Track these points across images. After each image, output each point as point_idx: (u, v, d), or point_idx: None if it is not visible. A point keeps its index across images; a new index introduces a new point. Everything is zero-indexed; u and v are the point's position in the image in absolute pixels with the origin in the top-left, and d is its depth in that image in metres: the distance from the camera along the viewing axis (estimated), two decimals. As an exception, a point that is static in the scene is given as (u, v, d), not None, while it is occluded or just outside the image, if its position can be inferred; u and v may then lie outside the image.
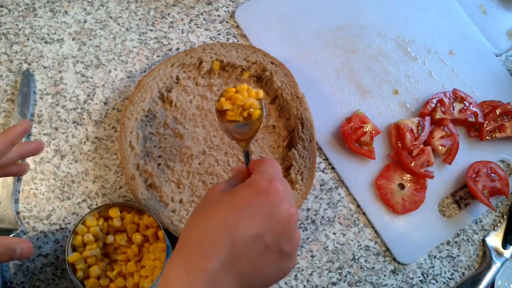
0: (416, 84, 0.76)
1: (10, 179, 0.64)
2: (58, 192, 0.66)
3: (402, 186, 0.70)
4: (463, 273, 0.70)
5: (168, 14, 0.75)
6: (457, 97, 0.74)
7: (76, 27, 0.73)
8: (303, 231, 0.68)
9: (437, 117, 0.72)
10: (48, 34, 0.72)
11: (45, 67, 0.70)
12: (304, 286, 0.66)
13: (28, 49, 0.71)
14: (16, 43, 0.71)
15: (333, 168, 0.71)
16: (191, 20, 0.75)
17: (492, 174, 0.71)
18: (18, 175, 0.60)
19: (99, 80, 0.70)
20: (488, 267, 0.69)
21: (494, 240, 0.71)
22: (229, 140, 0.68)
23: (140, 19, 0.74)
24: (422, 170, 0.69)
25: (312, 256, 0.67)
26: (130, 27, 0.73)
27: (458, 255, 0.70)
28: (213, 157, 0.68)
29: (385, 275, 0.68)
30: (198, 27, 0.75)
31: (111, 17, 0.73)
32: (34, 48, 0.71)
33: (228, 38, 0.75)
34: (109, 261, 0.61)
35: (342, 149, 0.71)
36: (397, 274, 0.68)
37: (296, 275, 0.66)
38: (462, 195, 0.73)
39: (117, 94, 0.70)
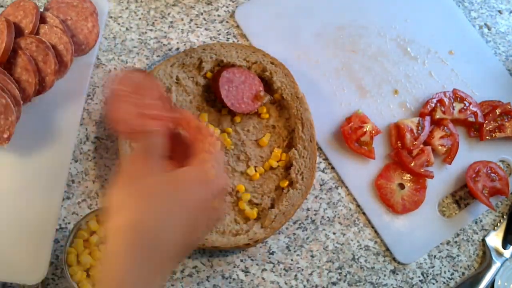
0: (416, 84, 0.76)
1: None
2: (58, 192, 0.66)
3: (402, 186, 0.70)
4: (463, 273, 0.70)
5: (168, 14, 0.75)
6: (457, 97, 0.74)
7: (76, 27, 0.73)
8: (303, 231, 0.68)
9: (437, 117, 0.72)
10: (48, 34, 0.72)
11: (45, 67, 0.70)
12: (304, 286, 0.66)
13: (28, 49, 0.71)
14: (16, 43, 0.71)
15: (333, 168, 0.71)
16: (191, 20, 0.75)
17: (492, 174, 0.71)
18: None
19: (99, 80, 0.70)
20: (488, 267, 0.69)
21: (494, 240, 0.71)
22: (229, 140, 0.68)
23: (140, 19, 0.74)
24: (422, 170, 0.69)
25: (312, 256, 0.67)
26: (130, 27, 0.73)
27: (458, 255, 0.70)
28: (213, 157, 0.68)
29: (385, 275, 0.68)
30: (198, 27, 0.75)
31: (111, 17, 0.73)
32: (34, 48, 0.71)
33: (228, 38, 0.75)
34: (109, 261, 0.61)
35: (342, 149, 0.71)
36: (397, 274, 0.68)
37: (296, 275, 0.66)
38: (462, 195, 0.73)
39: (117, 94, 0.70)
